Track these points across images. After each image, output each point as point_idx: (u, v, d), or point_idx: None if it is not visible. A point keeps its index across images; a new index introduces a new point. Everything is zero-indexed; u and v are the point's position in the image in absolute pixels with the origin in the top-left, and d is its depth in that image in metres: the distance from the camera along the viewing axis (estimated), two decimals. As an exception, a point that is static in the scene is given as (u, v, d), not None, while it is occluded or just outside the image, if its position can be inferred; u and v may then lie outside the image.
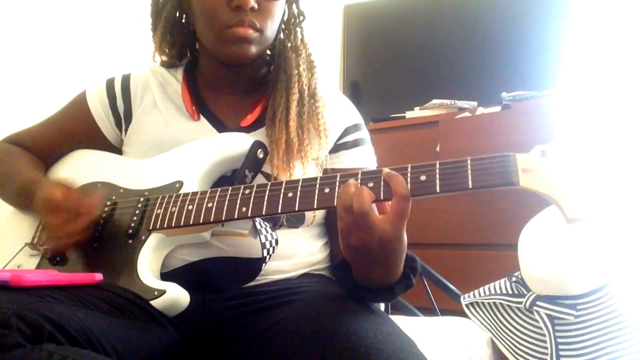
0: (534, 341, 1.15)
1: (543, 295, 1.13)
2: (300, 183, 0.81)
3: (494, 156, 0.72)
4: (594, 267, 1.10)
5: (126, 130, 1.08)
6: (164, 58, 1.12)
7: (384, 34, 2.78)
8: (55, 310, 0.67)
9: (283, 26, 1.09)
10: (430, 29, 2.65)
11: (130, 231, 0.91)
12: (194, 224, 0.86)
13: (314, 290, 0.92)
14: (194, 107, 1.04)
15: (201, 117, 1.03)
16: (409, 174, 0.75)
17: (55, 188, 0.92)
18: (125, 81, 1.10)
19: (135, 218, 0.92)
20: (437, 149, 2.18)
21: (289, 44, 1.08)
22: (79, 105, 1.10)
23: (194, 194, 0.89)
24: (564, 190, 0.68)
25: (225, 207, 0.85)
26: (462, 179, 0.72)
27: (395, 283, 0.81)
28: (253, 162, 0.94)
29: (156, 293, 0.82)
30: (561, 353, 1.09)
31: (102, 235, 0.93)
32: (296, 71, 1.04)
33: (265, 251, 0.90)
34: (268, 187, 0.83)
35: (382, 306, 0.96)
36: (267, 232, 0.91)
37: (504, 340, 1.20)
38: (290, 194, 0.81)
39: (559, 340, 1.10)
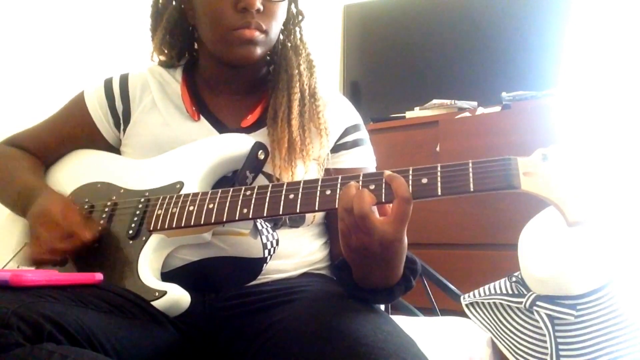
0: (534, 341, 1.15)
1: (543, 295, 1.14)
2: (301, 185, 0.81)
3: (495, 159, 0.72)
4: (593, 267, 1.10)
5: (125, 131, 1.07)
6: (163, 58, 1.12)
7: (384, 34, 2.78)
8: (55, 309, 0.67)
9: (282, 26, 1.09)
10: (430, 29, 2.65)
11: (131, 232, 0.91)
12: (194, 224, 0.86)
13: (314, 290, 0.92)
14: (194, 108, 1.04)
15: (201, 117, 1.03)
16: (410, 177, 0.75)
17: (55, 203, 0.92)
18: (124, 81, 1.09)
19: (135, 219, 0.92)
20: (437, 149, 2.18)
21: (289, 44, 1.08)
22: (77, 107, 1.10)
23: (195, 194, 0.89)
24: (565, 194, 0.68)
25: (226, 208, 0.84)
26: (464, 182, 0.72)
27: (395, 285, 0.81)
28: (254, 163, 0.94)
29: (157, 294, 0.83)
30: (561, 353, 1.09)
31: (102, 235, 0.93)
32: (297, 71, 1.04)
33: (266, 252, 0.90)
34: (269, 188, 0.83)
35: (382, 306, 0.96)
36: (268, 232, 0.91)
37: (504, 340, 1.20)
38: (291, 196, 0.81)
39: (559, 340, 1.10)
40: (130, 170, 1.01)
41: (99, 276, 0.82)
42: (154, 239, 0.89)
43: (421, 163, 0.76)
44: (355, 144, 1.06)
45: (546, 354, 1.11)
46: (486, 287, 1.29)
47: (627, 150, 0.71)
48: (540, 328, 1.13)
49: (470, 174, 0.72)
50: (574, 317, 1.09)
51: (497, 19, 2.50)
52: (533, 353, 1.14)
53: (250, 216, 0.83)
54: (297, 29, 1.10)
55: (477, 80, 2.48)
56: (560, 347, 1.09)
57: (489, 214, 2.01)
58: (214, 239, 0.92)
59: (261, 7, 0.95)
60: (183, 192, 0.92)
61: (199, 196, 0.88)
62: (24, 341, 0.61)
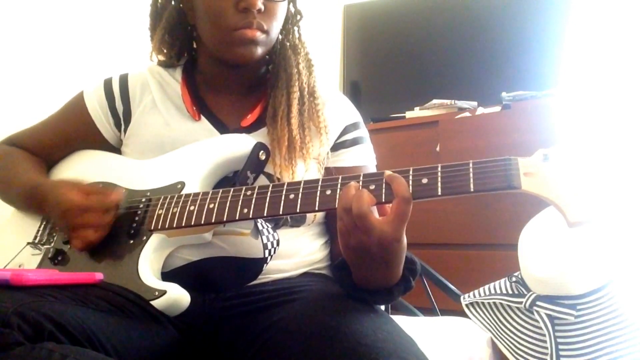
0: (534, 341, 1.15)
1: (543, 295, 1.13)
2: (302, 185, 0.81)
3: (495, 160, 0.72)
4: (594, 267, 1.10)
5: (125, 131, 1.07)
6: (162, 58, 1.12)
7: (384, 34, 2.79)
8: (55, 309, 0.67)
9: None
10: (430, 29, 2.66)
11: (132, 231, 0.91)
12: (195, 224, 0.86)
13: (314, 290, 0.92)
14: (194, 108, 1.04)
15: (202, 117, 1.03)
16: (410, 177, 0.75)
17: (70, 190, 0.90)
18: (124, 81, 1.09)
19: (136, 218, 0.92)
20: (437, 149, 2.18)
21: (288, 43, 1.09)
22: (77, 107, 1.10)
23: (196, 194, 0.89)
24: (566, 195, 0.68)
25: (227, 208, 0.84)
26: (464, 183, 0.72)
27: (394, 285, 0.81)
28: (255, 163, 0.95)
29: (157, 293, 0.83)
30: (561, 353, 1.09)
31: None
32: (296, 70, 1.05)
33: (266, 252, 0.90)
34: (270, 188, 0.83)
35: (382, 306, 0.96)
36: (268, 232, 0.91)
37: (504, 340, 1.20)
38: (292, 196, 0.81)
39: (559, 340, 1.10)
40: (132, 171, 1.01)
41: (99, 276, 0.82)
42: (155, 238, 0.89)
43: (421, 163, 0.77)
44: (354, 142, 1.06)
45: (546, 354, 1.11)
46: (486, 287, 1.28)
47: (628, 150, 0.71)
48: (540, 328, 1.13)
49: (471, 174, 0.72)
50: (574, 317, 1.09)
51: (497, 19, 2.50)
52: (533, 353, 1.14)
53: (251, 216, 0.83)
54: (296, 28, 1.10)
55: (477, 80, 2.48)
56: (560, 347, 1.09)
57: (489, 214, 2.01)
58: (215, 239, 0.92)
59: (262, 7, 0.95)
60: (184, 192, 0.92)
61: (200, 196, 0.88)
62: (24, 340, 0.61)
